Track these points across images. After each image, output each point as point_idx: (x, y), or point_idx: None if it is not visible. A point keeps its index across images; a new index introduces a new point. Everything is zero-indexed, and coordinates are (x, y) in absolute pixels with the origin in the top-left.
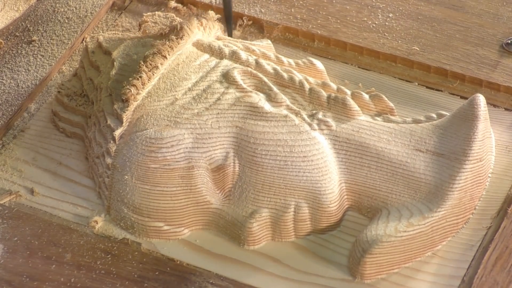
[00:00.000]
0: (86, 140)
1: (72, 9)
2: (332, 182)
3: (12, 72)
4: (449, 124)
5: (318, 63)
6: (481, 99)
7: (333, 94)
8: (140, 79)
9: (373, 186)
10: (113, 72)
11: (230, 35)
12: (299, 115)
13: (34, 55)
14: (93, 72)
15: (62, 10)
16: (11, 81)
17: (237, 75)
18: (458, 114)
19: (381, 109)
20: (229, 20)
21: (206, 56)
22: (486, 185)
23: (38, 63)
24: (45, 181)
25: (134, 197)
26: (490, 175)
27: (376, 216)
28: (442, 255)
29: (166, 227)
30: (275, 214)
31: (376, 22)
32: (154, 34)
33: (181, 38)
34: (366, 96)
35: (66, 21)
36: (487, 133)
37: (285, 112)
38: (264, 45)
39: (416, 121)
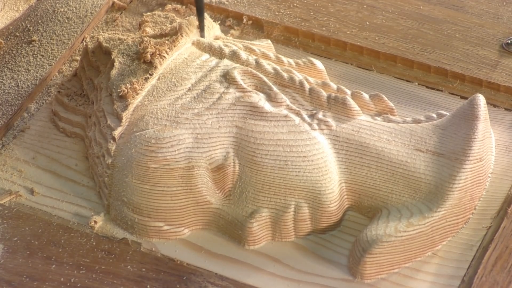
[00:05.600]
0: (86, 140)
1: (72, 9)
2: (332, 182)
3: (12, 72)
4: (449, 124)
5: (318, 63)
6: (481, 99)
7: (333, 94)
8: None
9: (373, 186)
10: (113, 72)
11: (202, 27)
12: (299, 115)
13: (34, 55)
14: (93, 72)
15: (62, 10)
16: (11, 81)
17: (237, 75)
18: (458, 114)
19: (381, 109)
20: (201, 13)
21: (206, 55)
22: (486, 185)
23: (38, 63)
24: (45, 181)
25: (134, 197)
26: (490, 175)
27: (376, 216)
28: (442, 255)
29: (166, 227)
30: (275, 214)
31: (376, 22)
32: (154, 34)
33: (180, 37)
34: (366, 96)
35: (66, 21)
36: (487, 133)
37: (285, 112)
38: (264, 45)
39: (416, 121)
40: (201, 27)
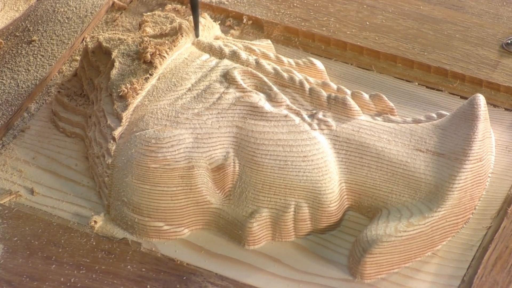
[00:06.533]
0: (86, 140)
1: (72, 9)
2: (332, 182)
3: (12, 72)
4: (449, 124)
5: (318, 63)
6: (481, 99)
7: (333, 94)
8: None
9: (373, 186)
10: (113, 72)
11: (196, 25)
12: (299, 115)
13: (34, 55)
14: (93, 72)
15: (62, 10)
16: (11, 81)
17: (237, 75)
18: (458, 114)
19: (381, 109)
20: (195, 9)
21: (206, 55)
22: (486, 185)
23: (38, 63)
24: (45, 181)
25: (134, 197)
26: (490, 175)
27: (376, 216)
28: (442, 255)
29: (166, 227)
30: (275, 214)
31: (376, 22)
32: (154, 34)
33: (180, 37)
34: (366, 96)
35: (66, 21)
36: (487, 133)
37: (285, 112)
38: (264, 45)
39: (416, 121)
40: (195, 24)
